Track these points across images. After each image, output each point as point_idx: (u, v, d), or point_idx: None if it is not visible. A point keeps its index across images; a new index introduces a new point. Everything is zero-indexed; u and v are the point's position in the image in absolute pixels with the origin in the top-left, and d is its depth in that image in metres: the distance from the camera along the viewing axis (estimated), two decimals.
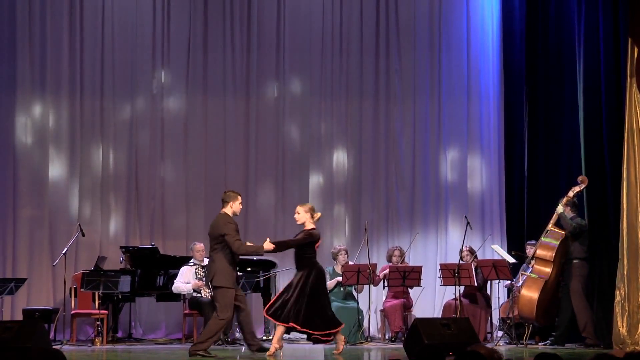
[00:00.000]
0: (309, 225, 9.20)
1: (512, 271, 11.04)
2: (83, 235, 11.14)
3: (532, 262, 10.62)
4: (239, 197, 9.29)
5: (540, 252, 10.51)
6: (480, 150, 12.51)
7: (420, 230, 12.25)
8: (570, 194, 10.46)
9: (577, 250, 10.44)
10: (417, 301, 11.67)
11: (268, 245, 9.05)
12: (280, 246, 9.28)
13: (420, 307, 11.76)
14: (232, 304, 9.05)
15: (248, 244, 9.16)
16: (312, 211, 9.22)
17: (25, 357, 5.64)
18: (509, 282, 11.25)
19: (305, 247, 9.12)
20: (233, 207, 9.20)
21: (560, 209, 10.44)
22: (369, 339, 11.21)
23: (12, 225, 11.77)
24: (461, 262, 11.10)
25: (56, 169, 11.99)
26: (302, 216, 9.20)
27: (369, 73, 12.55)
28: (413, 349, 8.11)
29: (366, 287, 11.21)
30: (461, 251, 11.27)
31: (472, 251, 11.30)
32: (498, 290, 11.56)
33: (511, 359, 8.88)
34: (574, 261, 10.43)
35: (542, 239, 10.53)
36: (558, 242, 10.44)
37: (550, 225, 10.53)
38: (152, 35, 12.27)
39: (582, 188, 10.46)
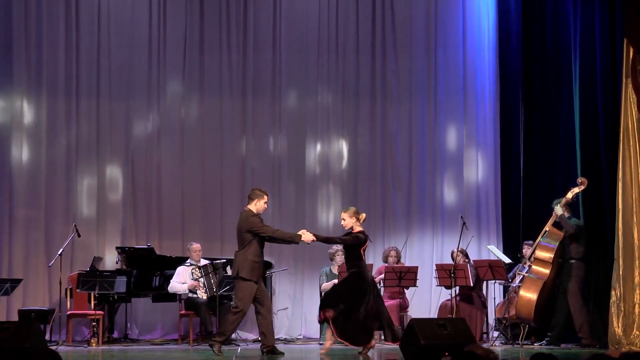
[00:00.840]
0: (357, 229, 9.27)
1: (508, 271, 11.05)
2: (79, 235, 11.13)
3: (530, 262, 10.61)
4: (265, 197, 9.37)
5: (539, 253, 10.49)
6: (476, 151, 12.52)
7: (416, 230, 12.27)
8: (569, 195, 10.44)
9: (575, 250, 10.45)
10: (413, 301, 11.67)
11: (307, 236, 9.16)
12: (324, 240, 9.47)
13: (416, 308, 11.76)
14: (251, 298, 9.08)
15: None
16: (356, 214, 9.31)
17: (21, 357, 5.62)
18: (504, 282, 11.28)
19: (351, 248, 9.20)
20: (257, 205, 9.29)
21: (559, 210, 10.43)
22: None
23: (7, 226, 11.76)
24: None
25: (52, 170, 11.97)
26: (349, 221, 9.28)
27: (365, 73, 12.56)
28: (409, 349, 8.10)
29: None
30: (453, 253, 11.27)
31: (463, 252, 11.31)
32: (494, 291, 11.56)
33: (507, 359, 8.88)
34: (571, 261, 10.44)
35: (541, 240, 10.52)
36: (557, 243, 10.43)
37: (548, 226, 10.52)
38: (149, 35, 12.26)
39: (581, 189, 10.44)
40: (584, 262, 10.48)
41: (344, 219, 9.31)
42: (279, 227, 12.02)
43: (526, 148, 12.01)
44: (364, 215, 9.40)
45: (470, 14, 12.67)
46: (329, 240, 9.58)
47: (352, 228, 9.28)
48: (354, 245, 9.16)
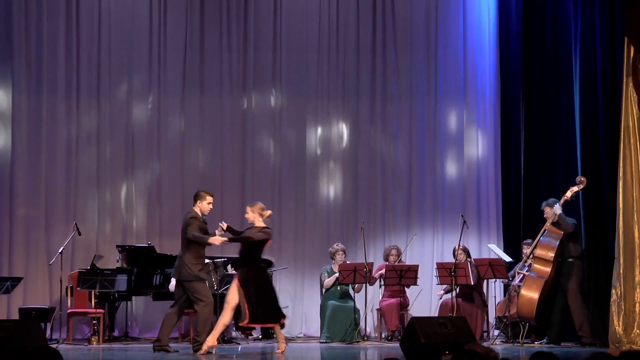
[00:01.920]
0: (258, 224, 9.34)
1: (508, 270, 11.05)
2: (79, 234, 11.12)
3: (530, 261, 10.60)
4: (208, 197, 9.47)
5: (540, 252, 10.46)
6: (476, 150, 12.52)
7: (416, 229, 12.27)
8: (569, 194, 10.44)
9: (573, 249, 10.45)
10: (413, 300, 11.67)
11: (214, 239, 9.24)
12: (238, 240, 9.36)
13: (417, 306, 11.77)
14: (209, 290, 9.42)
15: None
16: (261, 210, 9.39)
17: (22, 356, 5.62)
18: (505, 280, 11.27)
19: (260, 244, 9.29)
20: (201, 206, 9.41)
21: (558, 209, 10.42)
22: (365, 338, 11.21)
23: (8, 225, 11.75)
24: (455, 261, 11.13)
25: (52, 168, 11.98)
26: (251, 215, 9.38)
27: (365, 72, 12.56)
28: (410, 348, 8.11)
29: (363, 286, 11.21)
30: (455, 250, 11.27)
31: (465, 250, 11.31)
32: (494, 289, 11.56)
33: (507, 358, 8.87)
34: (569, 260, 10.44)
35: (541, 238, 10.51)
36: (557, 242, 10.42)
37: (548, 225, 10.52)
38: (149, 34, 12.26)
39: (580, 189, 10.45)
40: (582, 260, 10.49)
41: (247, 213, 9.41)
42: (279, 224, 12.16)
43: (526, 146, 12.01)
44: (269, 212, 9.46)
45: (470, 13, 12.66)
46: (243, 239, 9.32)
47: (253, 223, 9.36)
48: (263, 240, 9.23)
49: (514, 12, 12.31)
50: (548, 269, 10.42)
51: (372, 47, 12.56)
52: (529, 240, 10.93)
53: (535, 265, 10.50)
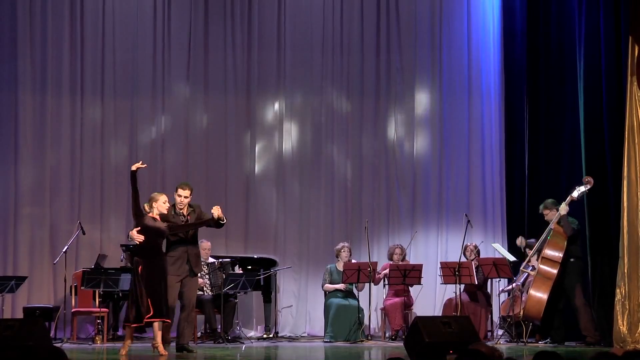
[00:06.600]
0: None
1: (513, 269, 11.04)
2: (84, 233, 11.13)
3: (536, 261, 10.55)
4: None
5: (548, 253, 10.39)
6: (481, 149, 12.51)
7: (420, 228, 12.26)
8: (575, 194, 10.40)
9: (574, 249, 10.44)
10: (417, 299, 11.67)
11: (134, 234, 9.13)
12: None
13: (421, 305, 11.76)
14: None
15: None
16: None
17: (26, 355, 5.63)
18: (509, 286, 11.23)
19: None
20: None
21: (563, 210, 10.38)
22: (369, 337, 11.22)
23: (13, 224, 11.77)
24: (463, 259, 11.12)
25: (57, 167, 11.99)
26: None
27: (369, 71, 12.55)
28: (414, 347, 8.10)
29: (367, 285, 11.21)
30: (465, 248, 11.25)
31: (477, 249, 11.30)
32: (498, 288, 11.55)
33: (511, 357, 8.86)
34: (572, 260, 10.42)
35: (549, 238, 10.44)
36: (565, 242, 10.38)
37: (553, 225, 10.47)
38: (153, 33, 12.27)
39: (587, 189, 10.41)
40: (583, 260, 10.48)
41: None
42: (284, 224, 12.18)
43: (531, 146, 12.01)
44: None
45: (474, 12, 12.65)
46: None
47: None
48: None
49: (519, 11, 12.29)
50: (555, 270, 10.34)
51: (376, 46, 12.55)
52: (532, 240, 10.92)
53: (542, 266, 10.41)
